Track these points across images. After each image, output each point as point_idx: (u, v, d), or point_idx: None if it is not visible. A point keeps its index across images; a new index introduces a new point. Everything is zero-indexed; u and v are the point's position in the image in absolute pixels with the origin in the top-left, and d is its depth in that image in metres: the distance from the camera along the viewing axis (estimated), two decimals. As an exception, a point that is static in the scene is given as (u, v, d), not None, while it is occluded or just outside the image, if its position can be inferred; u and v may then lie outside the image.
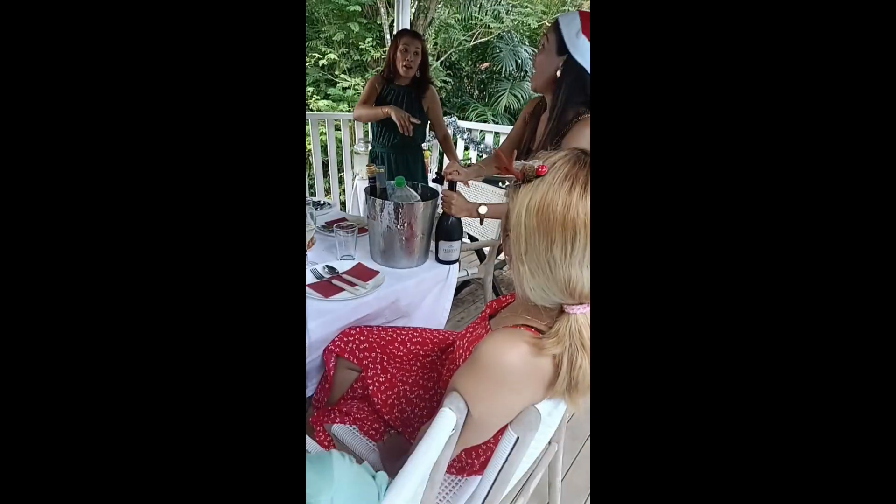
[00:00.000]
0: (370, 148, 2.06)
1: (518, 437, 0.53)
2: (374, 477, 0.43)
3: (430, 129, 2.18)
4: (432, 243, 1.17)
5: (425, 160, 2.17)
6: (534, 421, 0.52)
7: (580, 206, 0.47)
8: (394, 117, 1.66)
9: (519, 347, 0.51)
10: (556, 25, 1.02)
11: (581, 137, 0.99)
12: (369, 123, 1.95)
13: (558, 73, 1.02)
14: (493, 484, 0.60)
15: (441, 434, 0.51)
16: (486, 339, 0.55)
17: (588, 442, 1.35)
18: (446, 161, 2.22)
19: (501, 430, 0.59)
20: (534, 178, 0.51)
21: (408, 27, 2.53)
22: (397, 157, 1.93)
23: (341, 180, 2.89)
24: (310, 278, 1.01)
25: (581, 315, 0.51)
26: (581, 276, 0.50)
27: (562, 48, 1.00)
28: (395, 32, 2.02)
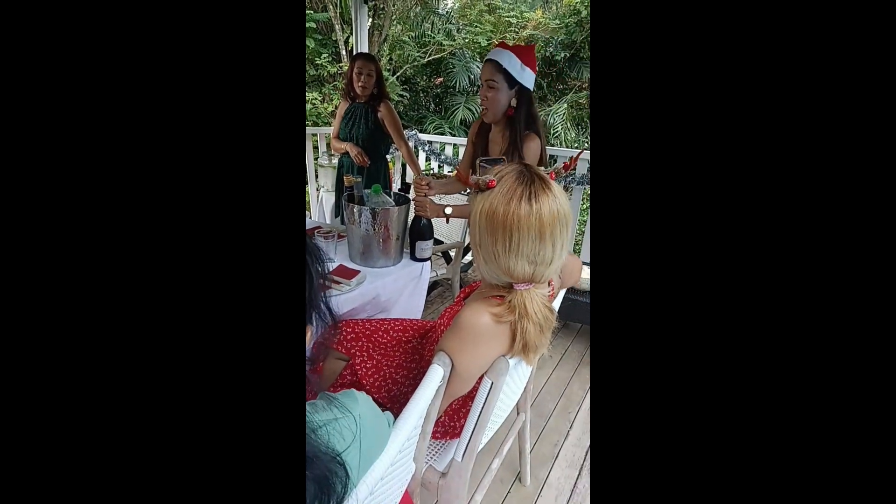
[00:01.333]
0: (337, 158, 2.18)
1: (492, 383, 0.67)
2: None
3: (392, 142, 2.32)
4: (405, 244, 1.30)
5: (389, 170, 2.30)
6: (503, 368, 0.67)
7: (516, 213, 0.63)
8: (351, 154, 2.02)
9: (487, 314, 0.66)
10: (497, 66, 1.28)
11: (529, 149, 1.30)
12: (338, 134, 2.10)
13: (513, 103, 1.32)
14: (474, 428, 0.73)
15: (432, 384, 0.64)
16: (463, 309, 0.69)
17: (551, 418, 1.52)
18: (409, 172, 2.37)
19: (477, 386, 0.73)
20: (486, 189, 0.66)
21: (365, 45, 2.68)
22: (361, 167, 2.06)
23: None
24: (297, 279, 1.11)
25: (524, 291, 0.68)
26: (516, 265, 0.65)
27: (512, 82, 1.29)
28: (350, 50, 2.20)
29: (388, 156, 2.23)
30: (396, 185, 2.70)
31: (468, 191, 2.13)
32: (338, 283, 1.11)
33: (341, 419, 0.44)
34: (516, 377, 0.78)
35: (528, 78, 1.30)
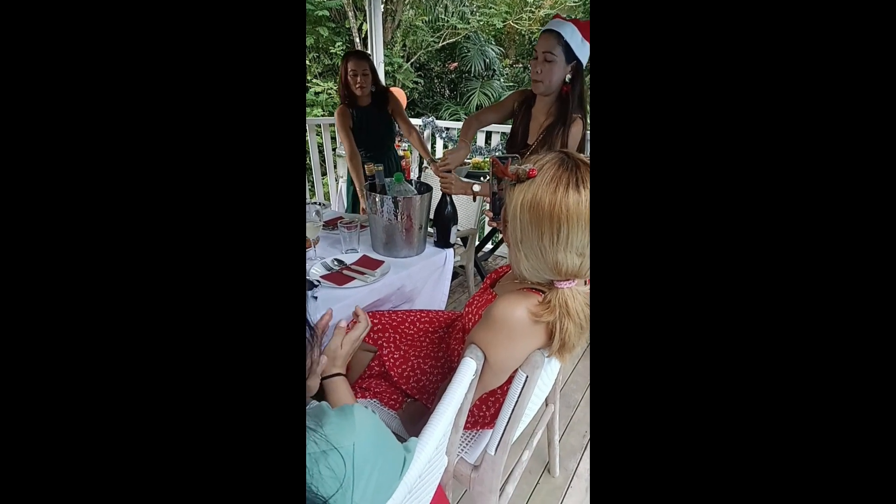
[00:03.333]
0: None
1: (527, 376, 0.65)
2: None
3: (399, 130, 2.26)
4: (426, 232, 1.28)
5: (407, 160, 2.27)
6: (539, 361, 0.64)
7: (564, 203, 0.58)
8: (364, 170, 1.94)
9: (524, 307, 0.63)
10: (558, 37, 1.19)
11: (571, 135, 1.22)
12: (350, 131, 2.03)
13: (568, 78, 1.23)
14: (508, 421, 0.71)
15: (465, 378, 0.62)
16: (498, 301, 0.66)
17: (578, 408, 1.50)
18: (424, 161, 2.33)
19: (510, 379, 0.71)
20: (526, 180, 0.61)
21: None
22: (375, 160, 2.03)
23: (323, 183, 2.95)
24: (322, 271, 1.10)
25: (567, 289, 0.63)
26: (566, 259, 0.61)
27: (570, 56, 1.20)
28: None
29: (403, 144, 2.19)
30: (414, 174, 2.66)
31: (485, 178, 2.08)
32: (362, 273, 1.10)
33: (329, 452, 0.38)
34: (549, 370, 0.76)
35: (585, 53, 1.22)
